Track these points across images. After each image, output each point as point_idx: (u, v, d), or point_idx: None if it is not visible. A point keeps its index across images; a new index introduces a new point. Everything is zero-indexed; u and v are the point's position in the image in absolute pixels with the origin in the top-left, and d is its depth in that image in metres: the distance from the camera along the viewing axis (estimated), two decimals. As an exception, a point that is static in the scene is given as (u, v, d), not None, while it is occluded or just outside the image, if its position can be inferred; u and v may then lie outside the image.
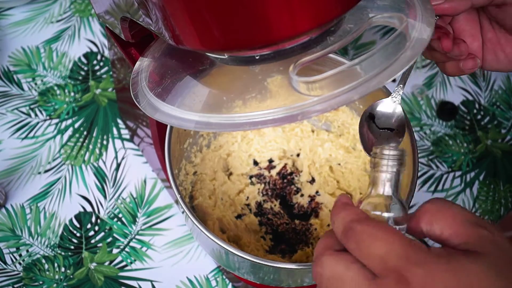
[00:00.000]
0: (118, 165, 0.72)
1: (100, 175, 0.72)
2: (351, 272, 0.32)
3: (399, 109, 0.46)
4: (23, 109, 0.76)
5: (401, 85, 0.46)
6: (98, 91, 0.78)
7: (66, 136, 0.74)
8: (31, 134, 0.74)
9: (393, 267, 0.31)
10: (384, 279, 0.31)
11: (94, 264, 0.65)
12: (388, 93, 0.55)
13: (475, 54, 0.46)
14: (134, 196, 0.70)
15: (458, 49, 0.45)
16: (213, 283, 0.65)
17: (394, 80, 0.49)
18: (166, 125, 0.54)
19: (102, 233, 0.67)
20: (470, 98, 0.79)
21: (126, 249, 0.66)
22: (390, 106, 0.46)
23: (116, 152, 0.73)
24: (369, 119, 0.47)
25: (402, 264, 0.31)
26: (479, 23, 0.46)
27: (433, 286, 0.30)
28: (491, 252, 0.31)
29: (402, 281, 0.30)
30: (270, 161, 0.66)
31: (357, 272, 0.32)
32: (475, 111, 0.78)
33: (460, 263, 0.31)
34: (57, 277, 0.64)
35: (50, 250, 0.66)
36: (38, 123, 0.75)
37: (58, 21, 0.85)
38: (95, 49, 0.82)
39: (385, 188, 0.36)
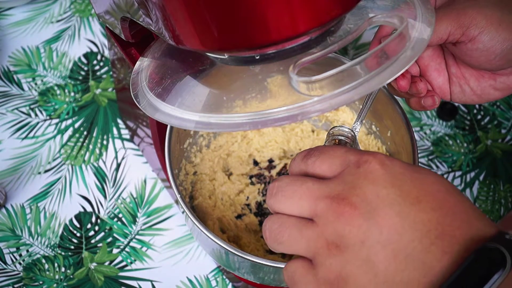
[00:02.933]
0: (118, 165, 0.72)
1: (100, 175, 0.72)
2: (310, 179, 0.34)
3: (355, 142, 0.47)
4: (23, 109, 0.76)
5: (358, 122, 0.48)
6: (98, 91, 0.78)
7: (66, 136, 0.74)
8: (31, 134, 0.74)
9: (354, 158, 0.34)
10: (345, 170, 0.33)
11: (94, 264, 0.65)
12: (389, 94, 0.55)
13: (435, 92, 0.48)
14: (134, 196, 0.70)
15: (415, 88, 0.46)
16: (213, 283, 0.65)
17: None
18: (166, 125, 0.54)
19: (102, 233, 0.67)
20: (470, 98, 0.79)
21: (126, 249, 0.66)
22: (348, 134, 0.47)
23: (116, 152, 0.73)
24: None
25: (362, 153, 0.34)
26: (444, 58, 0.48)
27: (391, 164, 0.33)
28: None
29: (362, 162, 0.33)
30: (270, 161, 0.66)
31: (313, 179, 0.34)
32: (475, 111, 0.78)
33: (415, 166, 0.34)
34: (57, 277, 0.64)
35: (50, 250, 0.66)
36: (38, 123, 0.75)
37: (58, 21, 0.85)
38: (95, 49, 0.82)
39: None
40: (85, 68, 0.80)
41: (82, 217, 0.68)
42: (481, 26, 0.42)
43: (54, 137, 0.74)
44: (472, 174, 0.73)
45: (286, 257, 0.60)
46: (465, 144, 0.75)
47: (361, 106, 0.61)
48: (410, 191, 0.32)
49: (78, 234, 0.67)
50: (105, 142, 0.74)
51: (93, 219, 0.68)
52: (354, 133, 0.46)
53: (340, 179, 0.33)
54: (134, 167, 0.72)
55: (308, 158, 0.36)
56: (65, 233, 0.67)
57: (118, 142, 0.74)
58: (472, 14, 0.42)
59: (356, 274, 0.31)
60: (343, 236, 0.31)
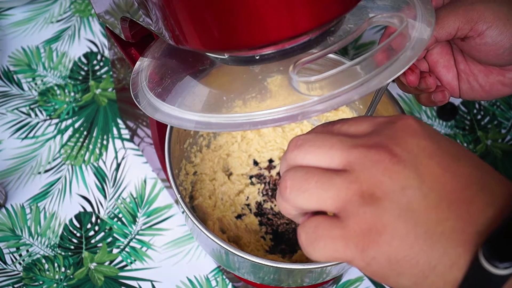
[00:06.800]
0: (118, 165, 0.72)
1: (100, 175, 0.72)
2: (340, 134, 0.33)
3: None
4: (23, 109, 0.76)
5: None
6: (98, 91, 0.78)
7: (66, 136, 0.74)
8: (31, 134, 0.74)
9: (384, 119, 0.33)
10: (378, 127, 0.32)
11: (94, 264, 0.65)
12: (389, 94, 0.55)
13: (445, 87, 0.48)
14: (134, 196, 0.70)
15: (424, 83, 0.46)
16: (213, 283, 0.65)
17: (394, 81, 0.50)
18: (166, 125, 0.55)
19: (102, 233, 0.67)
20: (470, 98, 0.79)
21: (126, 249, 0.66)
22: None
23: (116, 152, 0.73)
24: None
25: (393, 115, 0.33)
26: (452, 54, 0.48)
27: (425, 124, 0.32)
28: None
29: (397, 119, 0.32)
30: (270, 161, 0.66)
31: (341, 136, 0.32)
32: (475, 111, 0.78)
33: None
34: (57, 277, 0.64)
35: (50, 250, 0.66)
36: (38, 123, 0.75)
37: (58, 21, 0.85)
38: (95, 49, 0.82)
39: None
40: (85, 68, 0.80)
41: (82, 217, 0.68)
42: (489, 21, 0.43)
43: (54, 137, 0.74)
44: (472, 174, 0.73)
45: (286, 257, 0.60)
46: (465, 144, 0.75)
47: (361, 106, 0.61)
48: (449, 148, 0.31)
49: (78, 234, 0.67)
50: (105, 142, 0.74)
51: (93, 219, 0.68)
52: None
53: (376, 133, 0.31)
54: (134, 167, 0.72)
55: (332, 126, 0.34)
56: (65, 233, 0.67)
57: (118, 142, 0.74)
58: (480, 10, 0.43)
59: (394, 224, 0.29)
60: (381, 182, 0.29)
